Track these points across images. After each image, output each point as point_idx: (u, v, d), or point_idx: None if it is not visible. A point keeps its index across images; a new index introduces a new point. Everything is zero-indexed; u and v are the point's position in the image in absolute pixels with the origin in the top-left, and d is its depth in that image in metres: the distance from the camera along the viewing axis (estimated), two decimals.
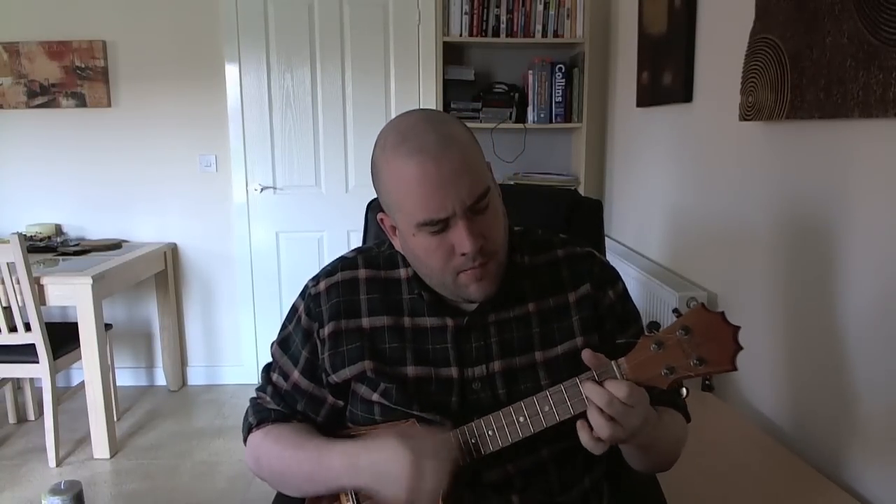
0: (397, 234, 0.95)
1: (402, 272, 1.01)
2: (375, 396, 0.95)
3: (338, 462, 0.91)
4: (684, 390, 0.83)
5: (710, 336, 0.80)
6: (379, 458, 0.86)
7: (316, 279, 1.04)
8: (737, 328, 0.80)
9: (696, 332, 0.81)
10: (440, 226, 0.87)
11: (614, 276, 1.04)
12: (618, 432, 0.81)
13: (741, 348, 0.80)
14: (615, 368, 0.84)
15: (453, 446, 0.87)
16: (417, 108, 0.94)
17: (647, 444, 0.90)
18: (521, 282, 0.99)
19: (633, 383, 0.82)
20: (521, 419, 0.86)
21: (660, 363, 0.82)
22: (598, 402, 0.81)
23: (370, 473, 0.87)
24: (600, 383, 0.83)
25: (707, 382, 0.84)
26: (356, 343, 0.98)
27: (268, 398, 1.04)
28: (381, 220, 0.98)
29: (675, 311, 0.84)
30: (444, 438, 0.88)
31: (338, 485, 0.93)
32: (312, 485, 0.97)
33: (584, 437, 0.82)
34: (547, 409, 0.86)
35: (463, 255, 0.88)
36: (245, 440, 1.05)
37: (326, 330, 0.99)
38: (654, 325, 0.84)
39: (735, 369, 0.80)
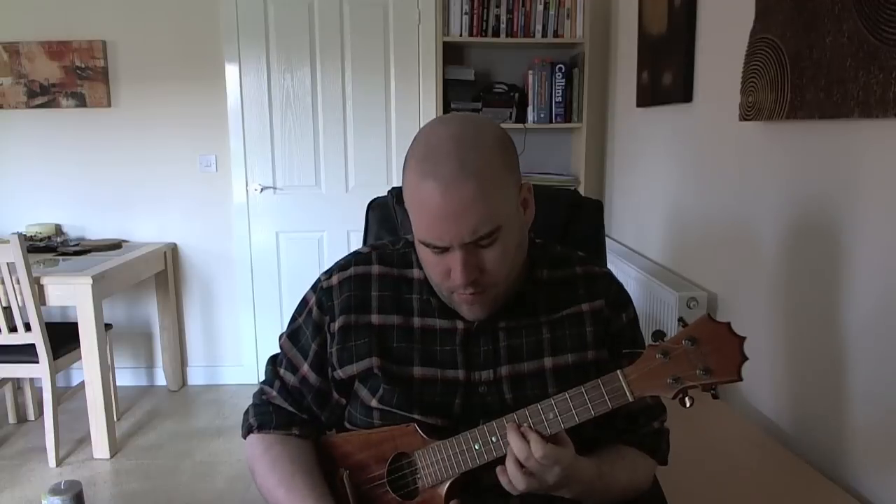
0: None
1: (416, 272, 1.00)
2: (374, 402, 0.95)
3: None
4: (687, 401, 0.82)
5: (717, 346, 0.80)
6: None
7: (329, 273, 1.04)
8: (743, 339, 0.79)
9: (703, 342, 0.80)
10: (439, 249, 0.87)
11: (628, 301, 1.05)
12: (532, 485, 0.84)
13: (747, 359, 0.79)
14: (620, 378, 0.83)
15: None
16: (461, 116, 0.91)
17: (580, 497, 0.92)
18: (537, 294, 0.99)
19: (553, 446, 0.83)
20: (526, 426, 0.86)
21: (665, 373, 0.81)
22: (517, 454, 0.83)
23: None
24: (524, 435, 0.84)
25: (713, 392, 0.83)
26: (364, 339, 0.97)
27: (274, 393, 1.04)
28: None
29: (681, 320, 0.83)
30: None
31: None
32: None
33: (503, 479, 0.85)
34: (552, 416, 0.86)
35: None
36: (244, 437, 1.05)
37: (337, 324, 0.99)
38: (660, 334, 0.82)
39: (741, 380, 0.79)
